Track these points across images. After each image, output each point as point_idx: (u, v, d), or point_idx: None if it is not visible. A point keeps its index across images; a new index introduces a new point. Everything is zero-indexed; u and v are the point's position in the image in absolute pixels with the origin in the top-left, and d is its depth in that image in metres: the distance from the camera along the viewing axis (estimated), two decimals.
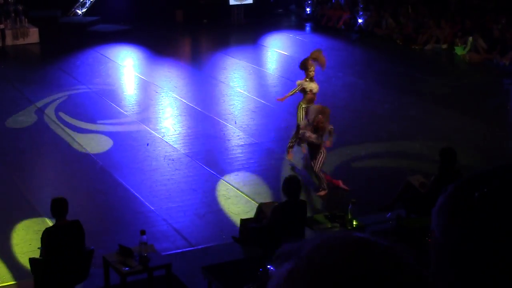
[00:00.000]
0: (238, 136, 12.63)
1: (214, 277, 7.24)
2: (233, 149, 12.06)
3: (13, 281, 7.86)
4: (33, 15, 21.04)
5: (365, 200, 9.72)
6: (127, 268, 7.22)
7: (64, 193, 8.12)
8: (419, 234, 7.59)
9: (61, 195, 7.49)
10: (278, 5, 25.75)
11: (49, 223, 8.57)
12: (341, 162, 11.36)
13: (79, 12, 22.90)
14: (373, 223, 8.86)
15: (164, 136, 12.55)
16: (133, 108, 14.37)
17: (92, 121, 13.41)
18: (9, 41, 20.14)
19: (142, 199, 9.98)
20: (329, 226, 8.33)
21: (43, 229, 7.38)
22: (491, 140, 12.51)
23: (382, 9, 22.15)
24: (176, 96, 15.06)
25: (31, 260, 7.21)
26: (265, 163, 11.36)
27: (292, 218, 7.63)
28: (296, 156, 11.21)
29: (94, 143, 12.18)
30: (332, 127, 10.19)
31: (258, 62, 18.53)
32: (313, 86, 11.12)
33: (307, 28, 23.56)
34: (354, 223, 8.20)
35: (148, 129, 12.93)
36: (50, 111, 13.90)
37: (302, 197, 8.24)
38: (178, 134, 12.72)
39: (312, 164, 10.10)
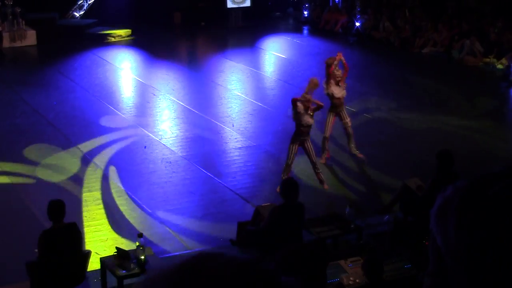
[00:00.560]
0: (235, 138, 12.63)
1: None
2: (230, 152, 12.06)
3: (9, 284, 7.83)
4: (30, 17, 21.03)
5: (362, 203, 9.73)
6: (124, 271, 7.21)
7: (61, 196, 8.12)
8: (416, 237, 7.60)
9: (58, 198, 7.48)
10: (275, 8, 25.78)
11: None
12: (339, 165, 11.36)
13: (77, 14, 22.89)
14: (370, 226, 8.86)
15: (161, 138, 12.55)
16: (130, 111, 14.36)
17: (89, 123, 13.40)
18: (6, 43, 20.12)
19: (139, 201, 9.96)
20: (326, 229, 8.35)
21: (37, 232, 7.36)
22: (488, 143, 12.51)
23: (380, 12, 22.17)
24: (174, 99, 15.06)
25: (28, 263, 7.19)
26: (262, 166, 11.36)
27: (289, 221, 7.63)
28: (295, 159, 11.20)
29: (91, 146, 12.16)
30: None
31: (255, 65, 18.54)
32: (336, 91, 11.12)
33: (305, 31, 23.58)
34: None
35: (146, 131, 12.93)
36: (47, 113, 13.88)
37: (300, 199, 8.23)
38: (175, 136, 12.72)
39: (310, 159, 10.21)
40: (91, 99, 15.08)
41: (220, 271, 1.10)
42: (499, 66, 17.44)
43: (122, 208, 9.84)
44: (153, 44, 20.46)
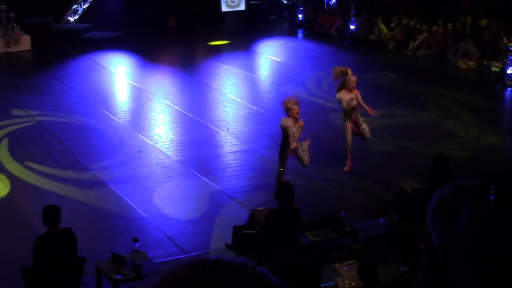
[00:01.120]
0: (230, 142, 12.62)
1: None
2: (225, 156, 12.05)
3: None
4: (25, 22, 21.01)
5: (358, 205, 9.73)
6: (119, 276, 7.20)
7: (56, 201, 8.10)
8: (411, 240, 7.60)
9: (53, 203, 7.46)
10: (270, 12, 25.79)
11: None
12: (334, 167, 11.36)
13: (72, 19, 22.88)
14: (366, 229, 8.87)
15: (156, 143, 12.54)
16: (125, 115, 14.34)
17: (84, 128, 13.39)
18: (1, 48, 20.10)
19: (134, 206, 9.95)
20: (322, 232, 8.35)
21: (32, 237, 7.34)
22: (483, 146, 12.53)
23: (374, 15, 22.21)
24: (169, 103, 15.05)
25: (23, 268, 7.17)
26: (257, 170, 11.36)
27: (285, 224, 7.63)
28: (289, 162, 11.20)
29: (86, 150, 12.15)
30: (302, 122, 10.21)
31: (250, 68, 18.55)
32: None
33: (300, 35, 23.60)
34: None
35: (141, 136, 12.91)
36: (42, 118, 13.87)
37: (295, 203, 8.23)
38: (170, 141, 12.71)
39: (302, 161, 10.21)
40: (86, 103, 15.06)
41: (216, 278, 1.10)
42: (494, 69, 17.48)
43: (117, 212, 9.83)
44: (148, 49, 20.46)
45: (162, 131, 13.33)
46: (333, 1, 24.22)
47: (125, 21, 22.64)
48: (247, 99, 15.38)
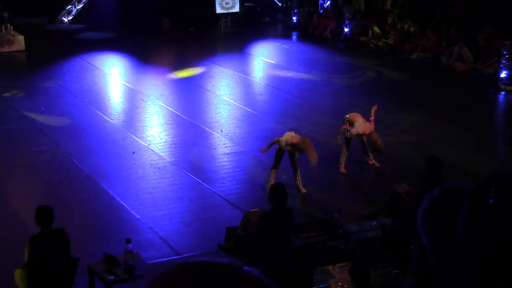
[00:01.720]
0: (224, 144, 12.63)
1: None
2: (219, 158, 12.06)
3: None
4: (18, 22, 20.96)
5: (350, 208, 9.74)
6: (112, 277, 7.19)
7: (49, 201, 8.08)
8: (404, 242, 7.61)
9: (46, 203, 7.45)
10: (265, 14, 25.81)
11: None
12: (327, 170, 11.37)
13: (65, 19, 22.85)
14: (358, 231, 8.88)
15: (150, 144, 12.53)
16: (119, 116, 14.33)
17: (78, 129, 13.38)
18: None
19: (127, 207, 9.95)
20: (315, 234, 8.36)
21: (24, 237, 7.33)
22: (476, 149, 12.57)
23: (368, 18, 22.26)
24: (162, 104, 15.05)
25: (16, 271, 7.15)
26: (251, 172, 11.37)
27: (278, 226, 7.63)
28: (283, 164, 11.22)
29: (80, 151, 12.14)
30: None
31: (244, 70, 18.55)
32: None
33: (294, 37, 23.62)
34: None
35: (134, 137, 12.91)
36: (35, 120, 13.85)
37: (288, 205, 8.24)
38: (164, 142, 12.71)
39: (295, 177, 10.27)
40: (80, 104, 15.04)
41: (206, 280, 1.11)
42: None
43: (110, 213, 9.83)
44: (142, 50, 20.45)
45: (155, 132, 13.32)
46: (327, 4, 24.25)
47: (119, 22, 22.62)
48: (241, 101, 15.39)
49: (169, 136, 13.12)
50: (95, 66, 18.55)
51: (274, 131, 12.54)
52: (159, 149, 12.26)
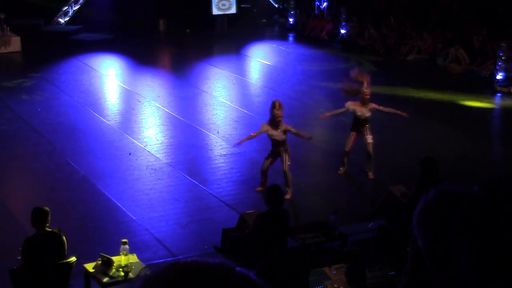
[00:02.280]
0: (220, 145, 12.63)
1: None
2: (215, 159, 12.06)
3: None
4: (15, 23, 20.93)
5: (347, 210, 9.75)
6: (108, 278, 7.18)
7: (45, 203, 8.07)
8: (400, 244, 7.62)
9: (42, 204, 7.45)
10: (261, 15, 25.82)
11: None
12: (324, 171, 11.38)
13: (62, 21, 22.83)
14: (355, 233, 8.89)
15: (146, 145, 12.52)
16: (115, 117, 14.32)
17: (74, 130, 13.37)
18: None
19: (124, 208, 9.94)
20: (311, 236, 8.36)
21: (20, 239, 7.32)
22: (472, 150, 12.59)
23: (365, 20, 22.28)
24: (159, 106, 15.04)
25: (11, 270, 7.15)
26: (247, 173, 11.36)
27: (274, 227, 7.64)
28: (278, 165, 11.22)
29: (76, 152, 12.13)
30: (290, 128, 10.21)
31: (241, 72, 18.56)
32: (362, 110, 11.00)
33: (290, 38, 23.63)
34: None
35: (131, 138, 12.90)
36: (31, 120, 13.83)
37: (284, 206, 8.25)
38: (160, 143, 12.70)
39: (283, 166, 10.18)
40: (76, 105, 15.03)
41: (199, 280, 1.11)
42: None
43: (107, 214, 9.82)
44: (138, 51, 20.43)
45: (152, 133, 13.32)
46: (324, 6, 24.27)
47: (116, 23, 22.61)
48: (237, 102, 15.39)
49: (165, 137, 13.12)
50: (91, 67, 18.53)
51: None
52: (155, 151, 12.25)
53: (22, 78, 17.56)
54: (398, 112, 11.23)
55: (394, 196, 9.01)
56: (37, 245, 6.98)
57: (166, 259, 8.50)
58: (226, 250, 8.36)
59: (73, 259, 7.35)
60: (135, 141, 12.76)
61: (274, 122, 10.08)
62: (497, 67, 16.86)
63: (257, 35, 23.34)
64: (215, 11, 23.39)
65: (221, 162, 11.85)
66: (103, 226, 9.50)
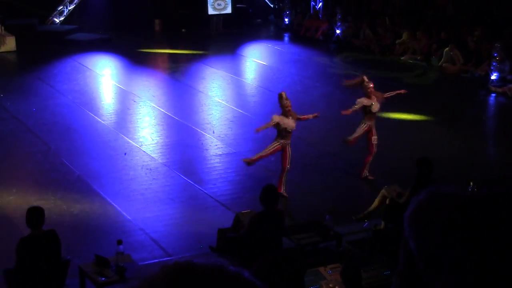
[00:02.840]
0: (216, 145, 12.63)
1: None
2: (211, 159, 12.06)
3: None
4: (10, 23, 20.90)
5: (342, 210, 9.75)
6: (103, 278, 7.18)
7: (40, 203, 8.07)
8: (395, 244, 7.63)
9: (37, 204, 7.44)
10: (257, 15, 25.83)
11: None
12: (319, 172, 11.39)
13: (57, 20, 22.80)
14: (350, 233, 8.89)
15: (141, 145, 12.52)
16: (110, 117, 14.31)
17: (70, 130, 13.35)
18: None
19: (119, 208, 9.93)
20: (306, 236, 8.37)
21: (15, 239, 7.30)
22: (466, 150, 12.62)
23: (360, 20, 22.31)
24: (154, 106, 15.04)
25: (6, 271, 7.14)
26: (242, 173, 11.36)
27: (269, 227, 7.64)
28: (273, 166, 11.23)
29: (71, 152, 12.11)
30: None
31: (236, 71, 18.56)
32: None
33: (286, 38, 23.65)
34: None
35: (126, 138, 12.89)
36: (26, 120, 13.81)
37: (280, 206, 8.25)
38: (156, 143, 12.69)
39: (287, 161, 10.23)
40: (71, 105, 15.01)
41: (193, 281, 1.12)
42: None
43: (102, 214, 9.81)
44: (134, 51, 20.42)
45: (147, 133, 13.31)
46: (319, 6, 24.29)
47: (111, 23, 22.59)
48: (233, 102, 15.39)
49: (160, 137, 13.11)
50: (86, 67, 18.51)
51: (266, 133, 12.52)
52: (150, 150, 12.25)
53: (17, 77, 17.54)
54: (397, 92, 11.41)
55: (389, 196, 9.03)
56: (33, 245, 6.97)
57: (161, 259, 8.50)
58: (221, 250, 8.36)
59: (69, 259, 7.34)
60: (130, 141, 12.75)
61: (284, 112, 10.20)
62: (492, 68, 16.89)
63: (253, 35, 23.35)
64: (211, 11, 23.38)
65: (217, 162, 11.85)
66: (98, 226, 9.49)
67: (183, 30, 23.41)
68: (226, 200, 10.27)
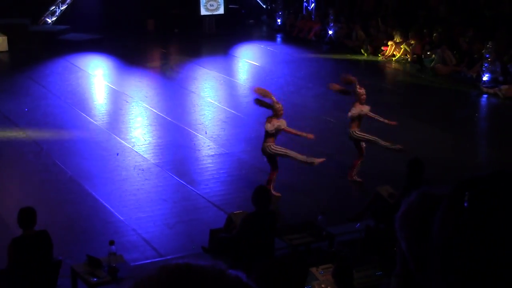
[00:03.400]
0: (208, 146, 12.63)
1: None
2: (203, 159, 12.05)
3: None
4: (1, 23, 20.84)
5: (334, 210, 9.77)
6: (95, 279, 7.17)
7: (32, 203, 8.04)
8: (387, 244, 7.65)
9: (29, 205, 7.41)
10: (249, 16, 25.84)
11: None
12: (312, 172, 11.40)
13: (49, 20, 22.74)
14: (342, 233, 8.91)
15: (134, 146, 12.50)
16: (103, 118, 14.29)
17: (62, 130, 13.32)
18: None
19: (111, 209, 9.92)
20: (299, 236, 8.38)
21: (7, 240, 7.29)
22: (458, 151, 12.65)
23: (352, 21, 22.34)
24: (147, 106, 15.02)
25: None
26: (235, 173, 11.37)
27: (261, 228, 7.64)
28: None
29: (63, 153, 12.09)
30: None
31: (229, 72, 18.56)
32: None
33: (278, 39, 23.66)
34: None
35: (118, 138, 12.87)
36: (18, 120, 13.77)
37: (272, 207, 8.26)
38: (148, 144, 12.68)
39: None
40: (63, 106, 14.98)
41: (189, 282, 1.12)
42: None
43: (94, 215, 9.80)
44: (126, 51, 20.39)
45: (139, 134, 13.30)
46: (311, 7, 24.32)
47: (103, 23, 22.55)
48: (225, 103, 15.39)
49: (153, 137, 13.10)
50: (79, 68, 18.48)
51: (258, 133, 12.53)
52: (143, 151, 12.23)
53: (9, 78, 17.49)
54: (387, 121, 11.40)
55: (381, 197, 9.04)
56: (24, 246, 6.95)
57: (153, 260, 8.49)
58: (213, 251, 8.36)
59: (61, 260, 7.32)
60: (122, 141, 12.73)
61: (277, 115, 10.27)
62: (484, 68, 16.94)
63: (245, 36, 23.35)
64: (203, 12, 23.38)
65: (209, 163, 11.85)
66: (90, 227, 9.48)
67: (175, 30, 23.40)
68: (218, 201, 10.27)
